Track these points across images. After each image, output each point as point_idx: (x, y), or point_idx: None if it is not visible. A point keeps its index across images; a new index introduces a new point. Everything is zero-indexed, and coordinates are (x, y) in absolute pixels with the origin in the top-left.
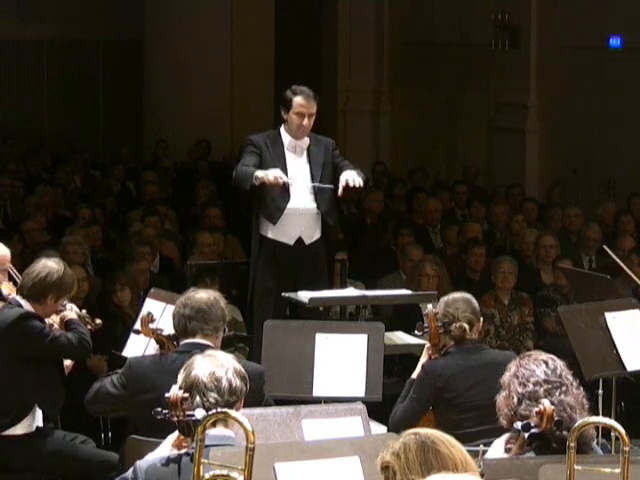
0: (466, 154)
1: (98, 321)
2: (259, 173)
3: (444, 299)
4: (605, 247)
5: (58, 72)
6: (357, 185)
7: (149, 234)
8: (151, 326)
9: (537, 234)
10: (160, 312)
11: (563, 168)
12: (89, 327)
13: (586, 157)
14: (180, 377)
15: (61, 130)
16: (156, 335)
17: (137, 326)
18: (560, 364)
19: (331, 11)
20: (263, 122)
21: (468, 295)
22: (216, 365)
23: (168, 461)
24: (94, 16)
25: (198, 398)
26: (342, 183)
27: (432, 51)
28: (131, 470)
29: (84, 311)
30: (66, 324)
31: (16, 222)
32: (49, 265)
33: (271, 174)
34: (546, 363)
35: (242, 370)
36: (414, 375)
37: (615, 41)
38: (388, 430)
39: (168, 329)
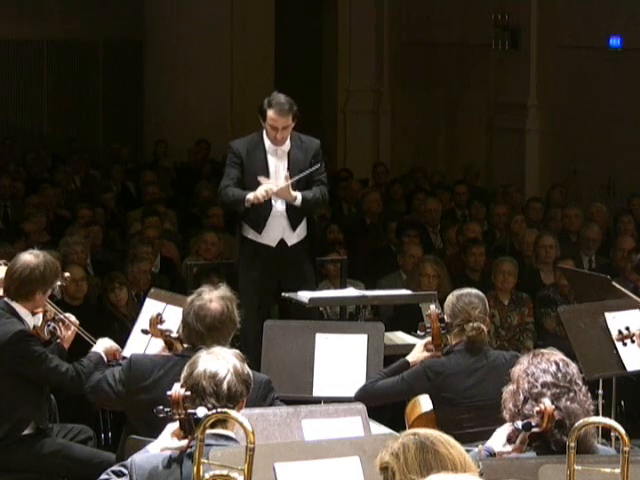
0: (466, 154)
1: (72, 318)
2: (250, 196)
3: (455, 294)
4: (614, 282)
5: (58, 72)
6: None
7: (151, 234)
8: (160, 327)
9: (537, 234)
10: (160, 312)
11: (563, 168)
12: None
13: (586, 157)
14: (183, 374)
15: (61, 130)
16: (165, 337)
17: (145, 326)
18: (572, 368)
19: (331, 11)
20: None
21: (480, 293)
22: (218, 366)
23: (169, 462)
24: (94, 16)
25: (198, 401)
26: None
27: (432, 51)
28: (127, 466)
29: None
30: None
31: (16, 222)
32: (28, 261)
33: (261, 192)
34: (557, 365)
35: (245, 371)
36: (408, 357)
37: (615, 41)
38: (359, 394)
39: (176, 331)
